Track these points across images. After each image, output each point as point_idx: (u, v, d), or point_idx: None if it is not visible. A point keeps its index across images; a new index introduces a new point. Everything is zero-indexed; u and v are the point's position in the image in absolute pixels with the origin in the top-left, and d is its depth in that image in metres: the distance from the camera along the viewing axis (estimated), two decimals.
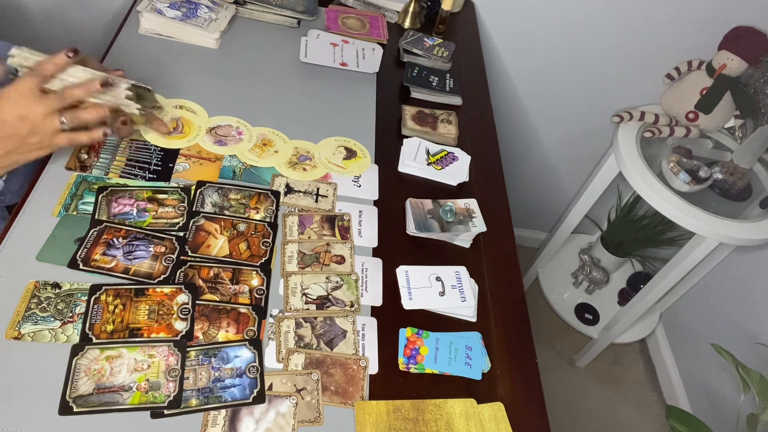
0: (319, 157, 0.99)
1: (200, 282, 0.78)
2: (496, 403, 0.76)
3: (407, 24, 1.36)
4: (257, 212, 0.88)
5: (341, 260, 0.86)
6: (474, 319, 0.86)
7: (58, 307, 0.72)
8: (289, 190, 0.93)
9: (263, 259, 0.83)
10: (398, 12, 1.37)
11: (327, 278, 0.83)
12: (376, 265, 0.87)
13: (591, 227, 2.15)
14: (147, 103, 0.87)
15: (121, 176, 0.87)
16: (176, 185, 0.88)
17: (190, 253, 0.81)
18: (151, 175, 0.89)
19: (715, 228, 1.34)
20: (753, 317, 1.60)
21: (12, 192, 1.01)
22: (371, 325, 0.81)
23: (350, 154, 1.02)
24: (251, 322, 0.76)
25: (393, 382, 0.76)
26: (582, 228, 2.11)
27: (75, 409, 0.64)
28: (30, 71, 0.76)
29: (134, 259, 0.78)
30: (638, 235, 1.88)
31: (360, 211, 0.94)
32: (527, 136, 1.83)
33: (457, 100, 1.20)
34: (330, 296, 0.82)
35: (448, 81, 1.22)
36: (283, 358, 0.74)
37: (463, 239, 0.95)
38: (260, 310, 0.78)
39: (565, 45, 1.56)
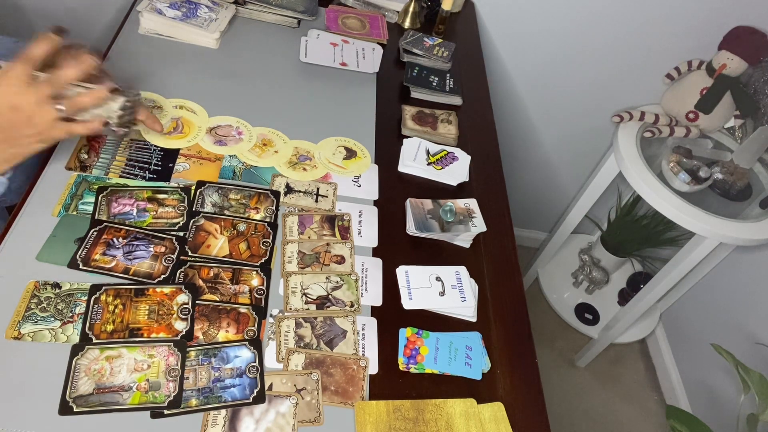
0: (319, 157, 0.99)
1: (200, 282, 0.78)
2: (496, 403, 0.76)
3: (407, 24, 1.36)
4: (257, 212, 0.88)
5: (341, 260, 0.86)
6: (474, 319, 0.86)
7: (58, 307, 0.72)
8: (289, 190, 0.93)
9: (263, 259, 0.83)
10: (398, 12, 1.37)
11: (327, 278, 0.83)
12: (376, 265, 0.87)
13: (591, 227, 2.15)
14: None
15: (121, 176, 0.87)
16: (176, 185, 0.88)
17: (190, 253, 0.81)
18: (151, 175, 0.89)
19: (715, 228, 1.34)
20: (753, 317, 1.60)
21: (12, 192, 1.01)
22: (371, 325, 0.81)
23: (350, 154, 1.02)
24: (251, 322, 0.76)
25: (393, 382, 0.76)
26: (582, 228, 2.11)
27: (75, 409, 0.64)
28: (19, 58, 0.70)
29: (134, 259, 0.78)
30: (638, 235, 1.88)
31: (360, 211, 0.94)
32: (527, 135, 1.83)
33: (457, 100, 1.20)
34: (330, 296, 0.82)
35: (448, 81, 1.22)
36: (283, 358, 0.74)
37: (463, 239, 0.94)
38: (260, 310, 0.78)
39: (565, 45, 1.56)
